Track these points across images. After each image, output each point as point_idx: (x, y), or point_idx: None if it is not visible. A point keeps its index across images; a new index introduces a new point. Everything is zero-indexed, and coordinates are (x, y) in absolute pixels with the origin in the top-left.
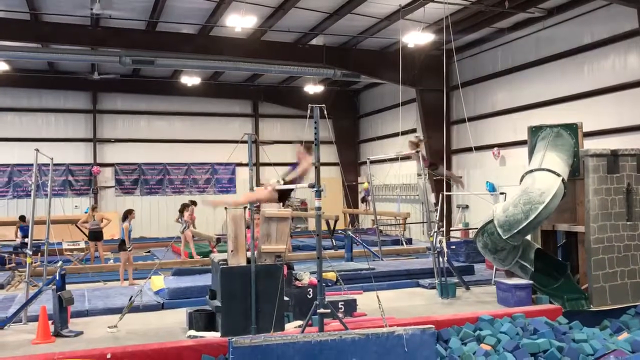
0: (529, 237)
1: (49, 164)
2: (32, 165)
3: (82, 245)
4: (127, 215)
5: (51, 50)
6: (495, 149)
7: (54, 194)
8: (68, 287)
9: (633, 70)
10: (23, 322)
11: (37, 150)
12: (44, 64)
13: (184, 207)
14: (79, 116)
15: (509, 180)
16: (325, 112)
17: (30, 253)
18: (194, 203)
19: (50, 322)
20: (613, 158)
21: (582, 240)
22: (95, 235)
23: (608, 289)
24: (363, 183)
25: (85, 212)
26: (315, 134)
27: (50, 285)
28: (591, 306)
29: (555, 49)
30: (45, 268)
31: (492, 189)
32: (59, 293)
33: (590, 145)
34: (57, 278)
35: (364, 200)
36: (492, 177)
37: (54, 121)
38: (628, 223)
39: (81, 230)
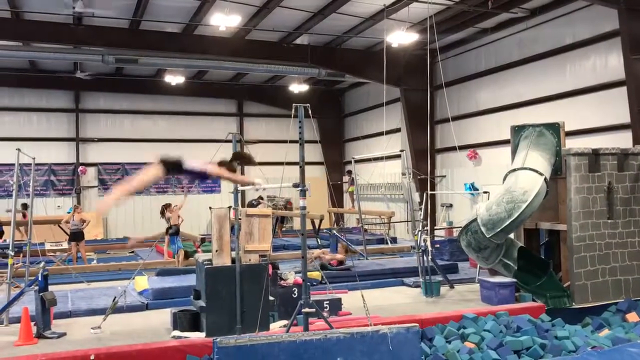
0: (512, 236)
1: (30, 164)
2: (13, 165)
3: (65, 245)
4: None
5: (32, 49)
6: (470, 150)
7: (36, 194)
8: (51, 288)
9: (613, 71)
10: (5, 323)
11: (18, 150)
12: (26, 63)
13: (164, 208)
14: (61, 115)
15: (491, 180)
16: (310, 112)
17: (12, 254)
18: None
19: (32, 323)
20: (594, 157)
21: (564, 239)
22: (76, 236)
23: (589, 287)
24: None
25: (69, 212)
26: (300, 133)
27: (32, 286)
28: (573, 303)
29: (537, 49)
30: (28, 269)
31: (471, 188)
32: (41, 294)
33: (572, 144)
34: (40, 279)
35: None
36: (475, 177)
37: (36, 120)
38: (609, 221)
39: (64, 231)
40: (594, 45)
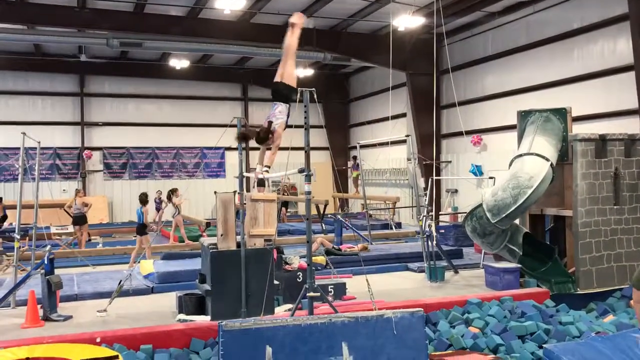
0: (517, 221)
1: (36, 148)
2: (18, 148)
3: (71, 229)
4: (146, 199)
5: (37, 32)
6: (474, 136)
7: (42, 177)
8: (57, 271)
9: (622, 55)
10: (11, 306)
11: (24, 133)
12: (30, 46)
13: (171, 193)
14: (66, 99)
15: (497, 165)
16: (315, 96)
17: (19, 237)
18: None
19: (39, 306)
20: (601, 143)
21: (569, 224)
22: (78, 219)
23: (595, 272)
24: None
25: None
26: (305, 118)
27: (38, 270)
28: (578, 289)
29: (545, 33)
30: (34, 252)
31: (476, 172)
32: (47, 277)
33: (579, 129)
34: (46, 262)
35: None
36: (481, 162)
37: (40, 104)
38: (615, 207)
39: (68, 214)
40: (603, 29)
